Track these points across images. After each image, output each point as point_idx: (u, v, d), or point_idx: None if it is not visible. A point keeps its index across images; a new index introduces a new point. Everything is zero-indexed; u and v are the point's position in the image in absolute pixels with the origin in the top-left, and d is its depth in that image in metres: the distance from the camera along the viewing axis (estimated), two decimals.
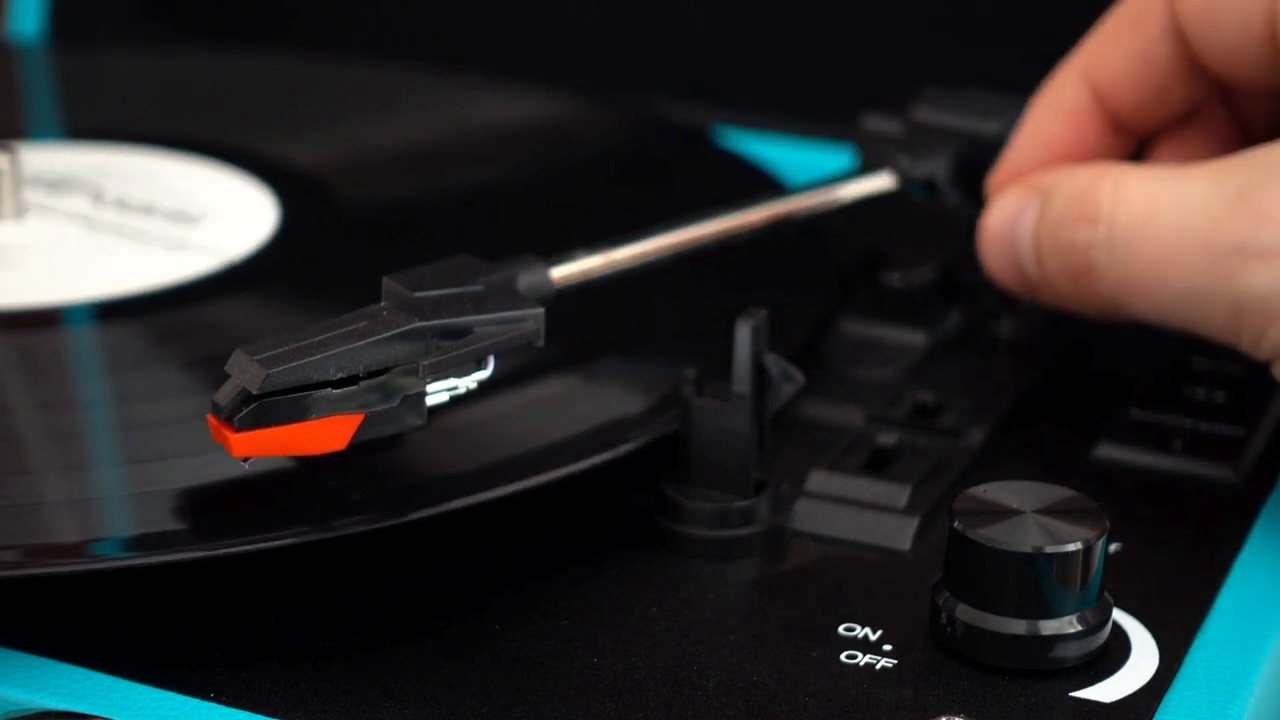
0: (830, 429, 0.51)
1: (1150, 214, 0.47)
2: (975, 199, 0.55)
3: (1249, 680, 0.43)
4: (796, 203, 0.53)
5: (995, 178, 0.53)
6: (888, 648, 0.43)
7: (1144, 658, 0.43)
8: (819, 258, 0.57)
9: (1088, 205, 0.48)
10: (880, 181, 0.55)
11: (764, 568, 0.46)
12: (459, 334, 0.44)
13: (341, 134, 0.65)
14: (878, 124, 0.56)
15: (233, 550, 0.43)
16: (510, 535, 0.47)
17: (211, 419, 0.42)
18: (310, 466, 0.45)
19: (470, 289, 0.45)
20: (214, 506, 0.45)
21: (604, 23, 0.77)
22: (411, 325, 0.43)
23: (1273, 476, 0.50)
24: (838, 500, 0.48)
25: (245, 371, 0.42)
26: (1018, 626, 0.42)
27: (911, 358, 0.54)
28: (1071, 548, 0.42)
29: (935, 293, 0.56)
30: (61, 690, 0.42)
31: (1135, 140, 0.53)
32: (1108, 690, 0.42)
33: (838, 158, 0.62)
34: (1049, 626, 0.42)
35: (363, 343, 0.43)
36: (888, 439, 0.50)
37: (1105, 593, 0.43)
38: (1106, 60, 0.52)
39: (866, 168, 0.55)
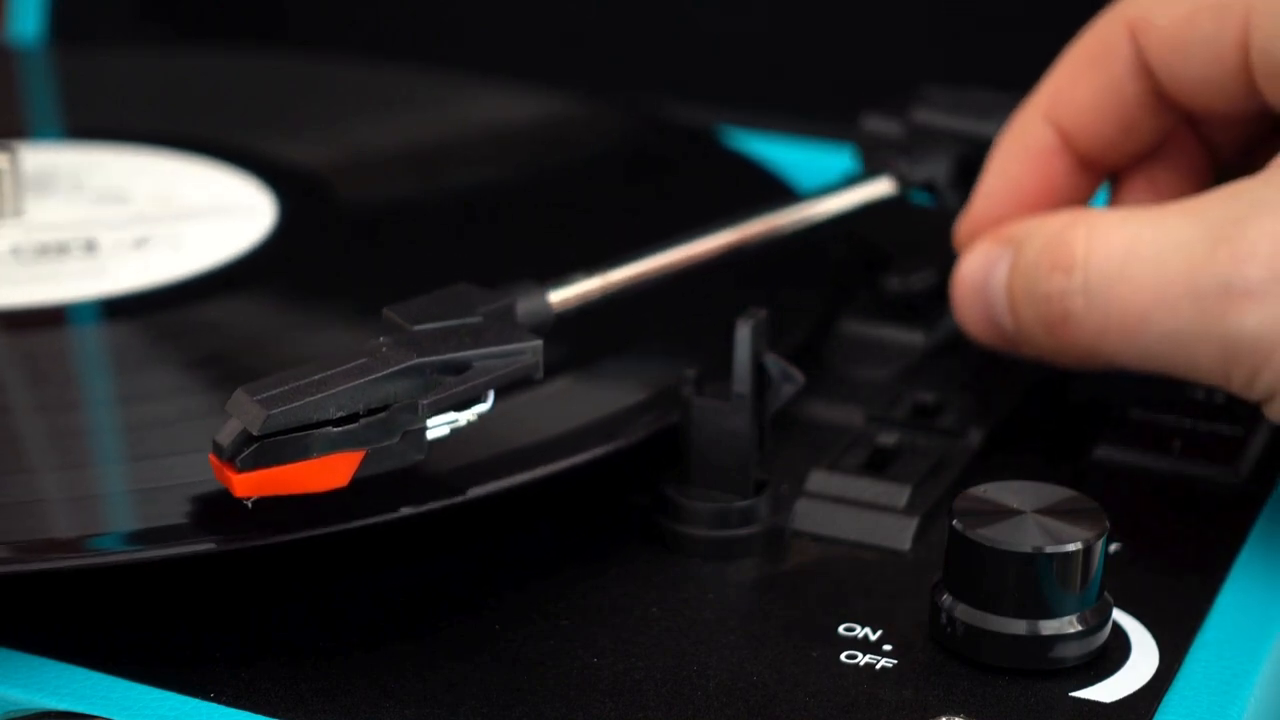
0: (830, 429, 0.51)
1: (1127, 258, 0.46)
2: None
3: (1249, 680, 0.43)
4: (793, 214, 0.53)
5: (964, 226, 0.52)
6: (888, 648, 0.43)
7: (1144, 658, 0.43)
8: (819, 258, 0.57)
9: (1061, 253, 0.47)
10: (880, 188, 0.55)
11: (764, 568, 0.46)
12: (458, 369, 0.44)
13: (341, 134, 0.65)
14: (877, 124, 0.56)
15: (233, 547, 0.43)
16: (510, 532, 0.47)
17: (214, 459, 0.42)
18: None
19: (468, 321, 0.45)
20: (214, 503, 0.44)
21: (605, 22, 0.77)
22: (410, 362, 0.43)
23: (1273, 476, 0.50)
24: (838, 500, 0.48)
25: (246, 412, 0.42)
26: (1018, 626, 0.42)
27: (911, 358, 0.54)
28: (1071, 548, 0.42)
29: (935, 293, 0.56)
30: (61, 690, 0.42)
31: (1103, 177, 0.52)
32: (1108, 690, 0.42)
33: (838, 158, 0.62)
34: (1049, 626, 0.42)
35: (362, 380, 0.43)
36: (888, 439, 0.50)
37: (1105, 593, 0.43)
38: (1070, 99, 0.51)
39: (866, 174, 0.55)
